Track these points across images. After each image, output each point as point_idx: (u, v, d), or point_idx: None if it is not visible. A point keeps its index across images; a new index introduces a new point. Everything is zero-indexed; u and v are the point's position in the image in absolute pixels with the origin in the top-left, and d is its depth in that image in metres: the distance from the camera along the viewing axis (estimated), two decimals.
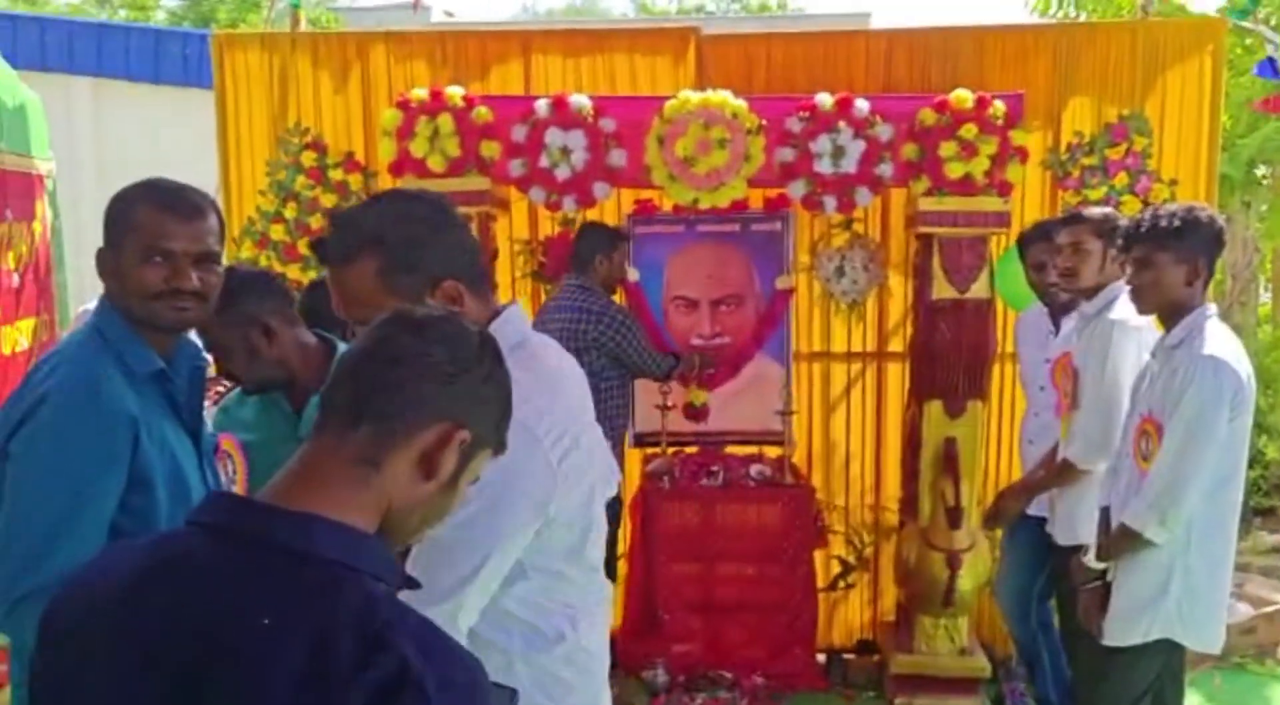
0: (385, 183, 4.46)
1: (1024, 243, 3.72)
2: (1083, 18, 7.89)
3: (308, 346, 2.43)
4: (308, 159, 4.55)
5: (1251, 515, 6.36)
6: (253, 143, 4.62)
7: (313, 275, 4.42)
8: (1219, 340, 2.66)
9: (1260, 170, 7.43)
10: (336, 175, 4.55)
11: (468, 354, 1.15)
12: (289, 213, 4.55)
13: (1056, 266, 3.43)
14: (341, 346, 2.34)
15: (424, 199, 1.71)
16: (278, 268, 4.56)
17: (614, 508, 4.17)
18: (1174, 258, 2.68)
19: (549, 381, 1.71)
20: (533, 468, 1.57)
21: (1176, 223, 2.67)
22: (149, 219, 1.86)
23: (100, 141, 9.04)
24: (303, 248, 4.53)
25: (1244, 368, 2.65)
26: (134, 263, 1.87)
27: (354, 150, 4.58)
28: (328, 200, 4.52)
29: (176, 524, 1.79)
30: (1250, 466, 3.18)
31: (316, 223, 4.54)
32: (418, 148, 3.99)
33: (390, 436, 1.10)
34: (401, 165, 4.04)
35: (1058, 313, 3.69)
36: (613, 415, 4.10)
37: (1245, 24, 4.75)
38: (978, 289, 3.94)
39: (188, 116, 7.74)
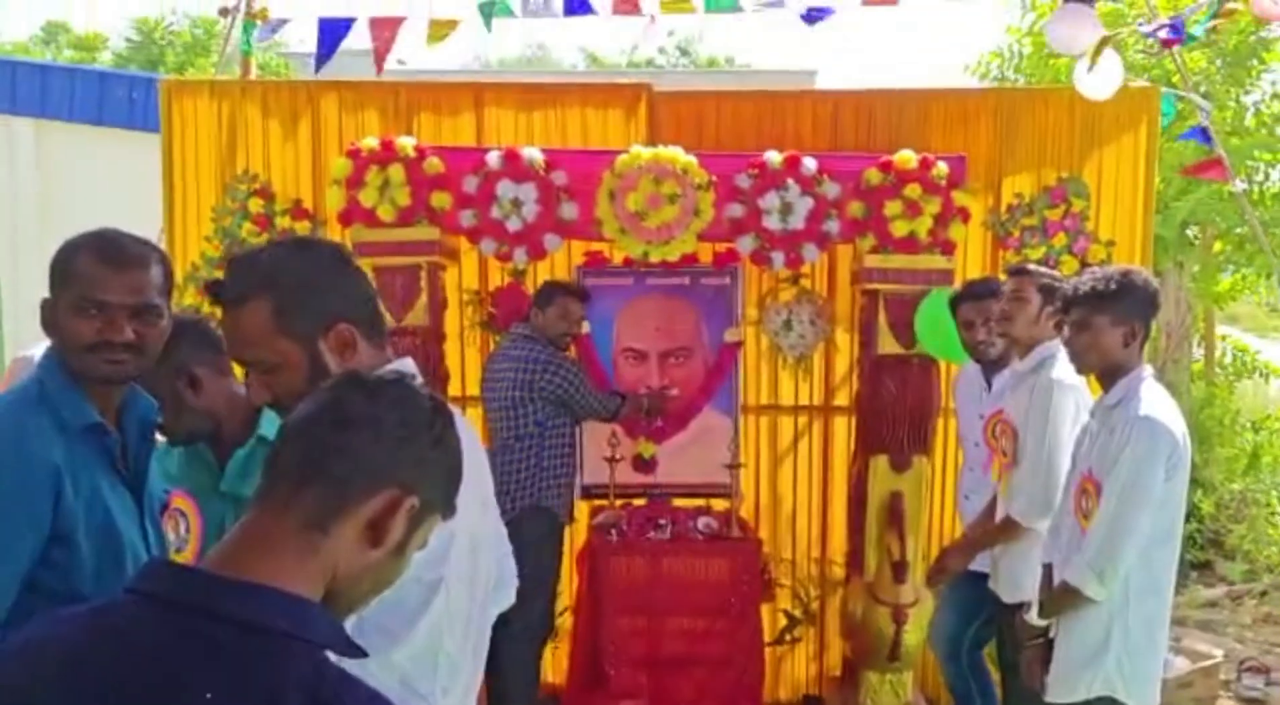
0: (333, 231, 4.43)
1: (954, 302, 3.78)
2: (1020, 81, 8.13)
3: (236, 398, 2.37)
4: (255, 205, 4.51)
5: (1188, 569, 6.48)
6: (199, 188, 4.57)
7: None
8: (1155, 401, 2.72)
9: (1191, 231, 7.66)
10: (283, 222, 4.52)
11: (419, 418, 1.13)
12: None
13: (991, 316, 3.51)
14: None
15: (320, 244, 1.72)
16: (219, 314, 4.49)
17: (550, 563, 4.13)
18: (1111, 320, 2.74)
19: None
20: None
21: (1113, 286, 2.74)
22: (85, 269, 1.83)
23: (43, 183, 8.89)
24: None
25: (1179, 427, 2.71)
26: (69, 314, 1.83)
27: (302, 198, 4.55)
28: None
29: (104, 580, 1.75)
30: (1186, 521, 3.23)
31: None
32: (367, 197, 3.98)
33: (338, 503, 1.07)
34: (350, 214, 4.02)
35: (990, 370, 3.76)
36: (559, 465, 4.08)
37: (1177, 91, 4.92)
38: (923, 346, 4.00)
39: (132, 160, 7.64)
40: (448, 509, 1.19)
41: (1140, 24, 4.74)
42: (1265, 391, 9.49)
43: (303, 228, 4.51)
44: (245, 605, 1.00)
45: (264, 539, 1.06)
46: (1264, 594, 6.37)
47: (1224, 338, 9.00)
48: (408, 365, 1.64)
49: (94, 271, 1.83)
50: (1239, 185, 5.92)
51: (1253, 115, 7.40)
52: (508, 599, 1.94)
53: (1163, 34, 4.25)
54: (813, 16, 4.64)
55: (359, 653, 1.07)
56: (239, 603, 1.00)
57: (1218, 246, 7.75)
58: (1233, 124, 7.19)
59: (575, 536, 4.52)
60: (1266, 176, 7.34)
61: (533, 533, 3.99)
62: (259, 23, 4.78)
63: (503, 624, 4.04)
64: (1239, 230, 7.30)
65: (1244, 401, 8.67)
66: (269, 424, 2.26)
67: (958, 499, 4.03)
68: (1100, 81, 3.97)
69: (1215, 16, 4.06)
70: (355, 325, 1.60)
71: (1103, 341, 2.75)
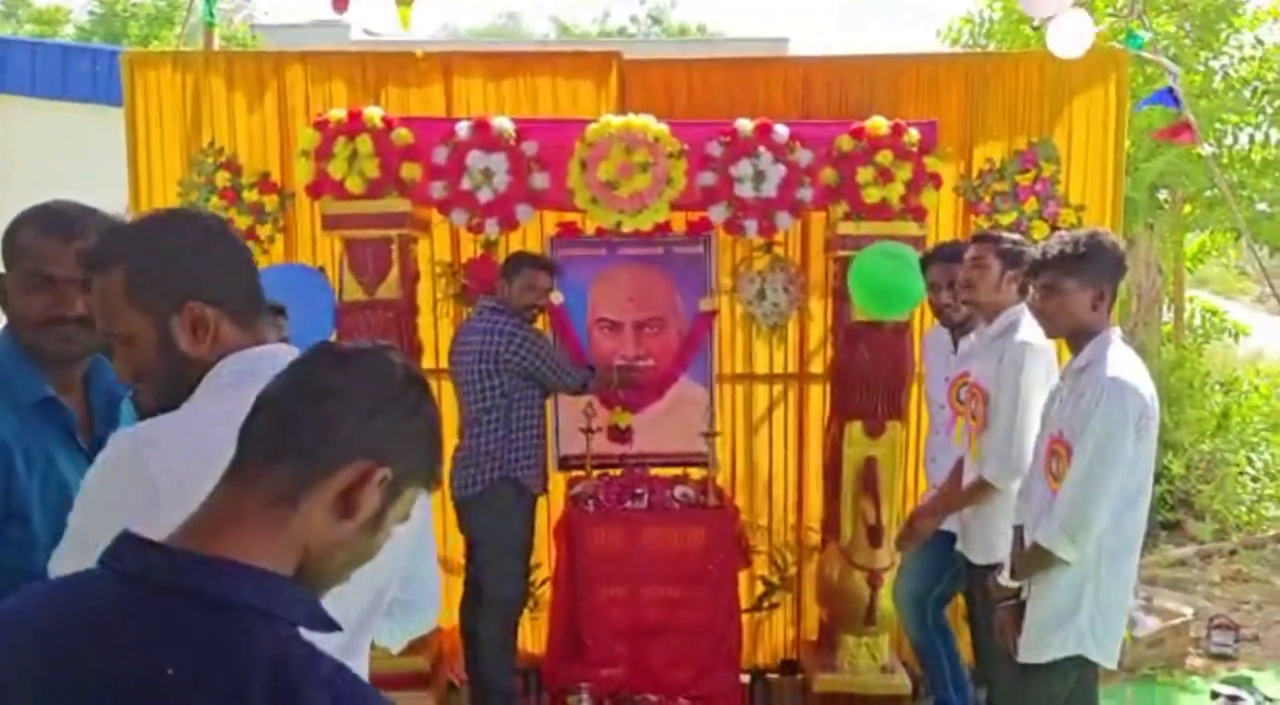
0: (302, 203, 4.40)
1: (923, 264, 3.80)
2: (991, 47, 8.12)
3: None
4: (221, 179, 4.45)
5: (1158, 529, 6.57)
6: (164, 163, 4.50)
7: None
8: (1123, 363, 2.74)
9: (1162, 194, 7.72)
10: (251, 196, 4.46)
11: (391, 389, 1.12)
12: None
13: (956, 280, 3.54)
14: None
15: (194, 218, 1.63)
16: None
17: (520, 532, 4.13)
18: (1079, 283, 2.76)
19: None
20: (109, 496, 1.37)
21: (1081, 249, 2.75)
22: (32, 243, 1.79)
23: (4, 158, 8.75)
24: None
25: (1147, 389, 2.74)
26: (18, 289, 1.80)
27: (269, 170, 4.49)
28: (242, 221, 4.43)
29: None
30: (1156, 482, 3.28)
31: None
32: (336, 169, 3.94)
33: (308, 475, 1.06)
34: (319, 186, 3.99)
35: (956, 332, 3.78)
36: (528, 437, 4.07)
37: (1145, 54, 4.93)
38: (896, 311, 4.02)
39: (96, 134, 7.52)
40: (430, 479, 1.17)
41: None
42: (1234, 353, 9.61)
43: (271, 201, 4.46)
44: (211, 581, 0.99)
45: (232, 514, 1.05)
46: (1233, 553, 6.48)
47: (1193, 300, 9.08)
48: (268, 352, 1.51)
49: (41, 244, 1.79)
50: (1208, 148, 5.96)
51: (1221, 78, 7.43)
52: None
53: None
54: None
55: (333, 627, 1.06)
56: (205, 578, 0.99)
57: (1186, 209, 7.81)
58: (1201, 87, 7.22)
59: (553, 508, 4.53)
60: (1235, 139, 7.39)
61: (502, 503, 4.00)
62: None
63: (477, 595, 4.12)
64: (1208, 193, 7.35)
65: (1213, 363, 8.77)
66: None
67: (925, 462, 4.06)
68: (1071, 40, 3.97)
69: None
70: (216, 306, 1.50)
71: (1071, 304, 2.77)
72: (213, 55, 4.61)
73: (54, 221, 1.82)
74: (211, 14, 4.66)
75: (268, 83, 4.51)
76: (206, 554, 1.01)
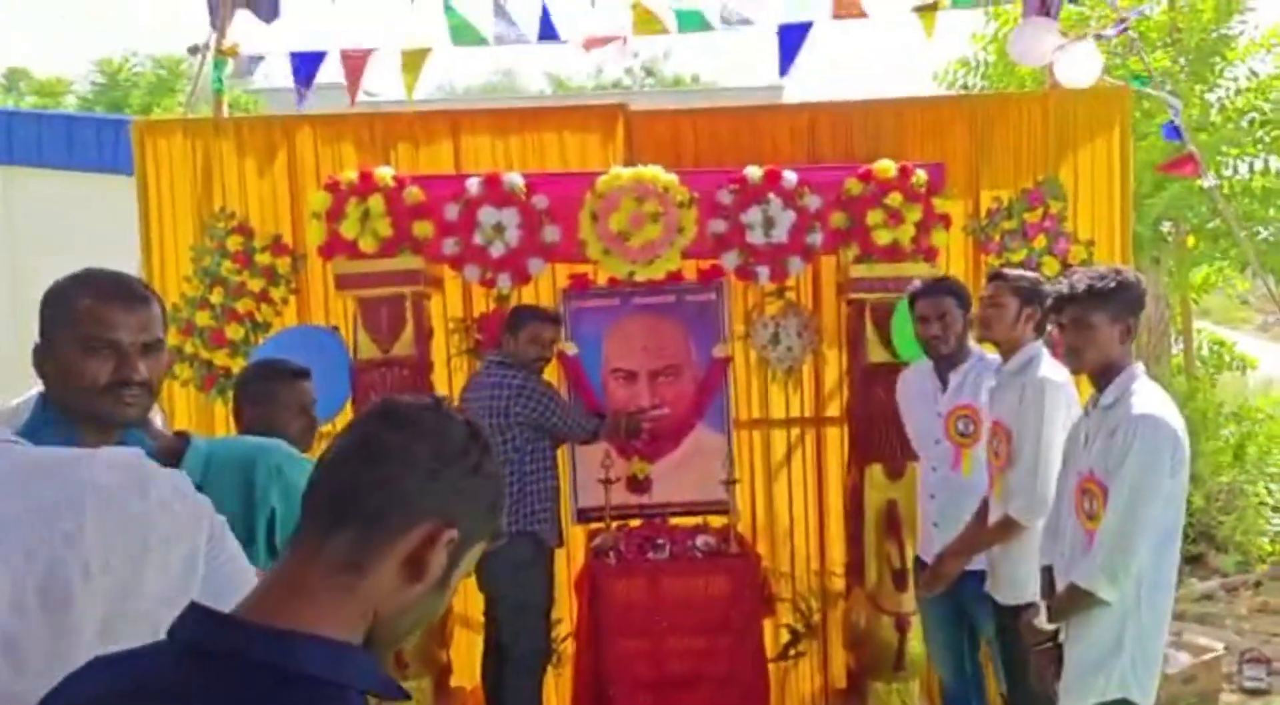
0: (314, 265, 4.42)
1: (912, 298, 3.77)
2: (981, 87, 8.20)
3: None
4: (234, 243, 4.48)
5: (1182, 563, 6.49)
6: (176, 229, 4.53)
7: (240, 362, 4.34)
8: (1152, 398, 2.73)
9: (1165, 227, 7.75)
10: (264, 259, 4.49)
11: (453, 448, 1.10)
12: (215, 298, 4.45)
13: (946, 313, 3.56)
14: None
15: None
16: (204, 354, 4.46)
17: (540, 587, 4.08)
18: (1108, 317, 2.76)
19: None
20: None
21: (1111, 283, 2.75)
22: (92, 309, 1.80)
23: (12, 229, 8.82)
24: (230, 332, 4.44)
25: (1178, 423, 2.72)
26: (76, 354, 1.80)
27: (282, 233, 4.52)
28: (255, 284, 4.45)
29: None
30: None
31: (244, 307, 4.46)
32: (348, 229, 3.96)
33: (374, 540, 1.05)
34: (332, 247, 4.01)
35: (944, 367, 3.74)
36: (542, 490, 4.05)
37: (1147, 90, 4.97)
38: (907, 353, 4.00)
39: (104, 202, 7.59)
40: (493, 532, 1.16)
41: (1099, 34, 4.78)
42: (1244, 382, 9.58)
43: (283, 263, 4.49)
44: (279, 652, 0.97)
45: (299, 584, 1.03)
46: (1258, 584, 6.41)
47: (1200, 332, 9.08)
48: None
49: (102, 310, 1.80)
50: (1210, 180, 5.99)
51: (1218, 111, 7.49)
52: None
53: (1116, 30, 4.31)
54: (787, 37, 4.65)
55: (401, 694, 1.04)
56: (272, 650, 0.97)
57: (1191, 241, 7.83)
58: (1199, 120, 7.27)
59: (573, 560, 4.49)
60: (1235, 170, 7.43)
61: (519, 558, 3.96)
62: (230, 59, 4.75)
63: (499, 653, 4.06)
64: (1211, 225, 7.38)
65: (1225, 393, 8.74)
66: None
67: (920, 499, 3.96)
68: (1079, 71, 4.00)
69: None
70: None
71: (1100, 338, 2.76)
72: (222, 121, 4.66)
73: (115, 288, 1.82)
74: (220, 81, 4.72)
75: (277, 146, 4.56)
76: (275, 626, 0.99)
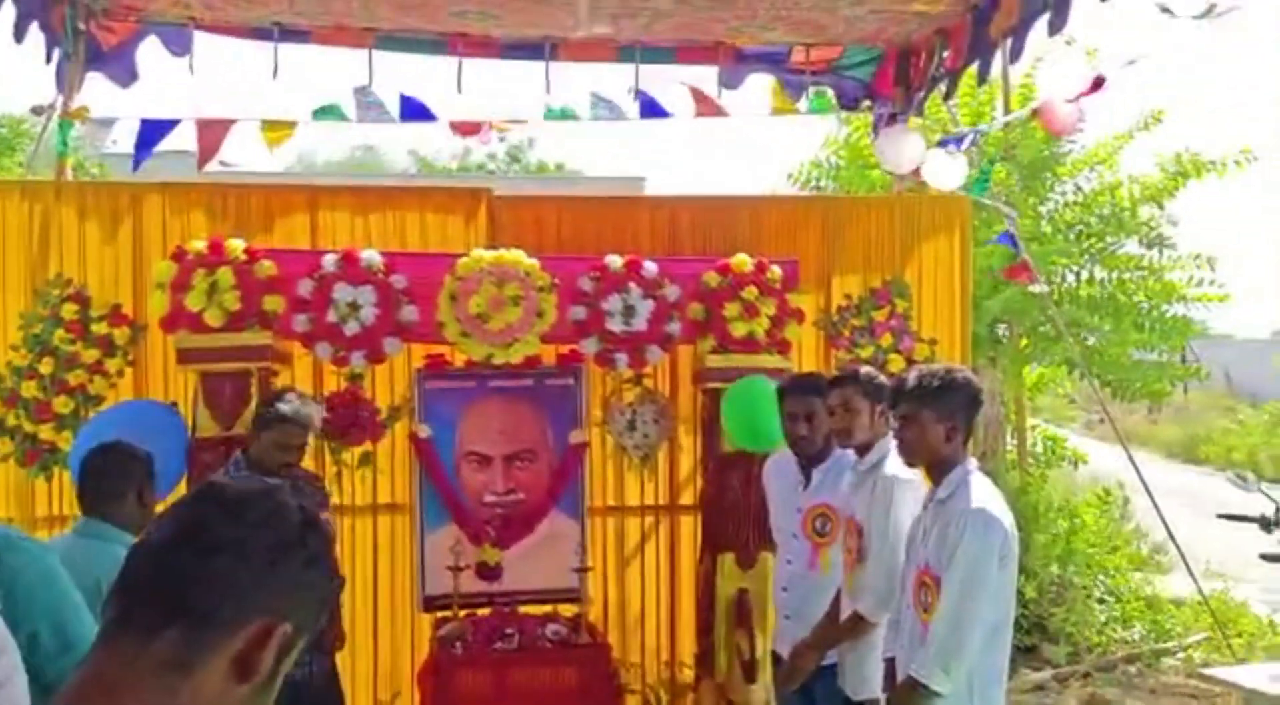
0: (155, 337, 4.23)
1: (780, 395, 3.80)
2: (832, 188, 8.57)
3: None
4: (68, 312, 4.26)
5: (1016, 654, 6.69)
6: (5, 293, 4.29)
7: (68, 437, 4.09)
8: (984, 494, 2.83)
9: (1001, 328, 8.17)
10: (100, 328, 4.28)
11: (289, 538, 1.04)
12: (44, 368, 4.21)
13: (815, 413, 3.56)
14: None
15: None
16: (28, 427, 4.19)
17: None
18: (935, 416, 2.86)
19: None
20: None
21: (937, 382, 2.87)
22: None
23: None
24: (58, 406, 4.19)
25: (1008, 519, 2.82)
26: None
27: (122, 302, 4.33)
28: (89, 355, 4.23)
29: None
30: None
31: (76, 379, 4.22)
32: (193, 301, 3.82)
33: (204, 638, 0.98)
34: (175, 319, 3.85)
35: (809, 463, 3.75)
36: None
37: (984, 200, 5.29)
38: (763, 442, 4.07)
39: None
40: (317, 630, 1.09)
41: (944, 141, 5.07)
42: (1073, 478, 10.09)
43: (122, 333, 4.29)
44: None
45: (116, 686, 0.95)
46: (1087, 675, 6.65)
47: (1034, 428, 9.54)
48: None
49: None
50: (1042, 286, 6.38)
51: (1048, 222, 8.01)
52: None
53: (964, 146, 4.61)
54: (648, 113, 4.80)
55: None
56: None
57: (1024, 342, 8.28)
58: (1031, 231, 7.76)
59: (418, 650, 4.33)
60: (1064, 278, 7.92)
61: None
62: (77, 122, 4.58)
63: None
64: (1043, 328, 7.82)
65: (1055, 488, 9.17)
66: None
67: (774, 592, 3.95)
68: (947, 174, 4.22)
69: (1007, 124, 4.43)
70: None
71: (927, 436, 2.87)
72: (65, 185, 4.47)
73: None
74: (65, 143, 4.53)
75: (123, 213, 4.39)
76: None
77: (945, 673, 2.72)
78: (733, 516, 4.12)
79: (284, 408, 3.55)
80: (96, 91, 4.77)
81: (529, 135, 28.99)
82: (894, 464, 3.29)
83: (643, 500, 4.68)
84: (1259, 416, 20.04)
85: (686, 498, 4.67)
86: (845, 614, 3.46)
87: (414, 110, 4.96)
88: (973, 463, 2.92)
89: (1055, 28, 3.91)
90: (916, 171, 4.77)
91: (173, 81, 5.64)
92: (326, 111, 4.88)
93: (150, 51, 4.79)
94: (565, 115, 4.79)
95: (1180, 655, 6.88)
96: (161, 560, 1.01)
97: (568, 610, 4.39)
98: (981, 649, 2.76)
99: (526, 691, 4.07)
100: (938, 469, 2.91)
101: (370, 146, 33.34)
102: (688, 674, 4.53)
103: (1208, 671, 4.47)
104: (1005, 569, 2.78)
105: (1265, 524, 5.56)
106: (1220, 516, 6.00)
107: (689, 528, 4.64)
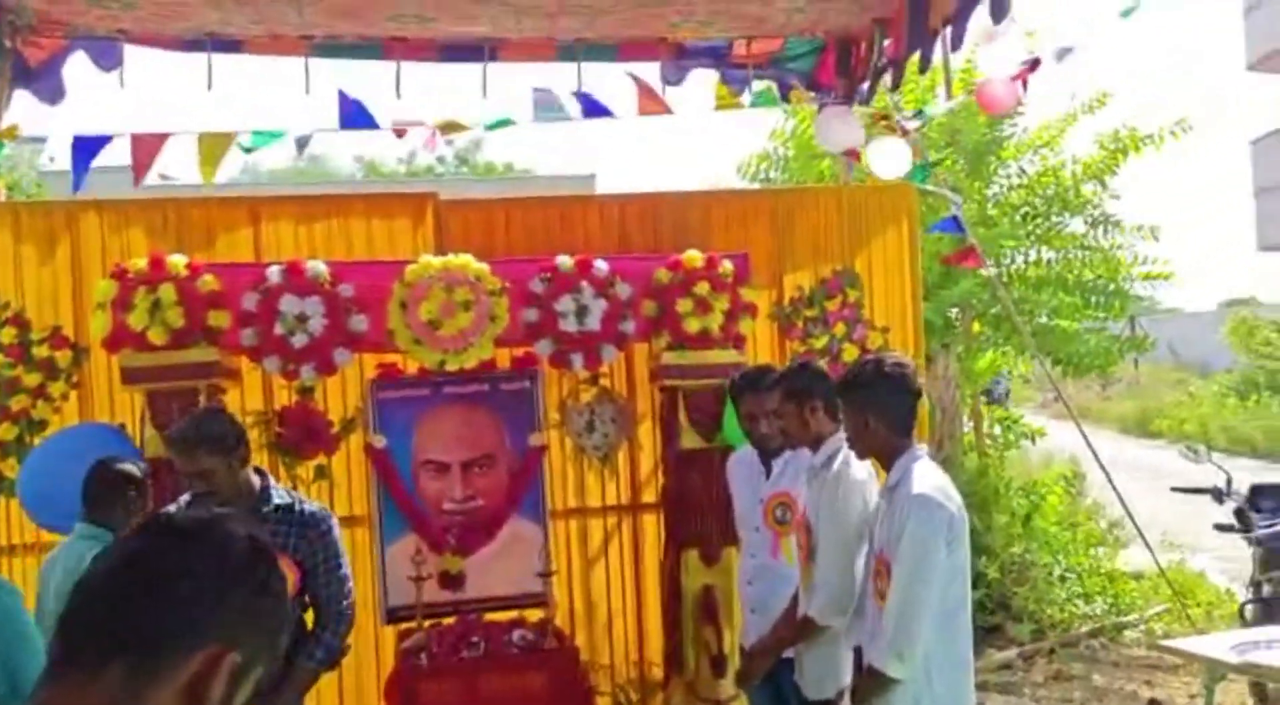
0: (98, 358, 4.14)
1: (734, 393, 3.80)
2: (781, 180, 8.60)
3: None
4: (7, 336, 4.16)
5: (981, 633, 6.76)
6: None
7: (12, 464, 3.99)
8: (927, 478, 2.82)
9: (953, 313, 8.24)
10: (41, 352, 4.18)
11: (238, 564, 1.02)
12: None
13: (769, 428, 3.57)
14: None
15: None
16: None
17: None
18: (866, 406, 2.88)
19: None
20: None
21: (850, 376, 2.94)
22: None
23: None
24: (2, 432, 4.08)
25: (953, 501, 2.81)
26: None
27: (62, 324, 4.23)
28: (31, 379, 4.13)
29: None
30: (974, 587, 3.33)
31: (18, 404, 4.12)
32: (136, 320, 3.73)
33: (151, 669, 0.95)
34: (118, 339, 3.77)
35: (769, 455, 3.76)
36: None
37: (928, 186, 5.33)
38: (723, 438, 4.07)
39: None
40: (274, 657, 1.07)
41: (900, 118, 5.10)
42: (1030, 459, 10.22)
43: (64, 356, 4.19)
44: None
45: None
46: (1052, 652, 6.73)
47: (990, 409, 9.64)
48: None
49: None
50: (991, 270, 6.43)
51: (994, 206, 8.09)
52: None
53: (909, 127, 4.63)
54: (591, 112, 4.77)
55: None
56: None
57: (976, 327, 8.36)
58: (978, 215, 7.83)
59: (383, 663, 4.27)
60: (1012, 260, 8.01)
61: None
62: (7, 142, 4.47)
63: None
64: (994, 311, 7.90)
65: (1013, 469, 9.28)
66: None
67: (739, 586, 3.96)
68: (890, 162, 4.23)
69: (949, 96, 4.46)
70: None
71: (862, 426, 2.91)
72: None
73: None
74: None
75: (60, 232, 4.29)
76: None
77: (899, 659, 2.73)
78: (696, 512, 4.11)
79: (171, 431, 3.27)
80: (28, 110, 4.66)
81: (475, 137, 28.83)
82: (843, 461, 3.27)
83: (604, 501, 4.66)
84: (1208, 387, 20.45)
85: (648, 496, 4.66)
86: (800, 612, 3.43)
87: (355, 117, 4.89)
88: (920, 449, 2.93)
89: (998, 15, 3.90)
90: (854, 153, 4.79)
91: (104, 98, 5.52)
92: (265, 136, 4.81)
93: (79, 67, 4.68)
94: (505, 123, 4.75)
95: (1142, 627, 6.98)
96: (105, 593, 0.99)
97: (533, 615, 4.36)
98: (938, 633, 2.76)
99: (495, 700, 4.04)
100: (886, 457, 2.93)
101: (316, 155, 32.95)
102: (657, 673, 4.52)
103: (1169, 643, 4.53)
104: (955, 552, 2.78)
105: (1217, 495, 5.69)
106: (1174, 489, 6.13)
107: (652, 526, 4.63)
